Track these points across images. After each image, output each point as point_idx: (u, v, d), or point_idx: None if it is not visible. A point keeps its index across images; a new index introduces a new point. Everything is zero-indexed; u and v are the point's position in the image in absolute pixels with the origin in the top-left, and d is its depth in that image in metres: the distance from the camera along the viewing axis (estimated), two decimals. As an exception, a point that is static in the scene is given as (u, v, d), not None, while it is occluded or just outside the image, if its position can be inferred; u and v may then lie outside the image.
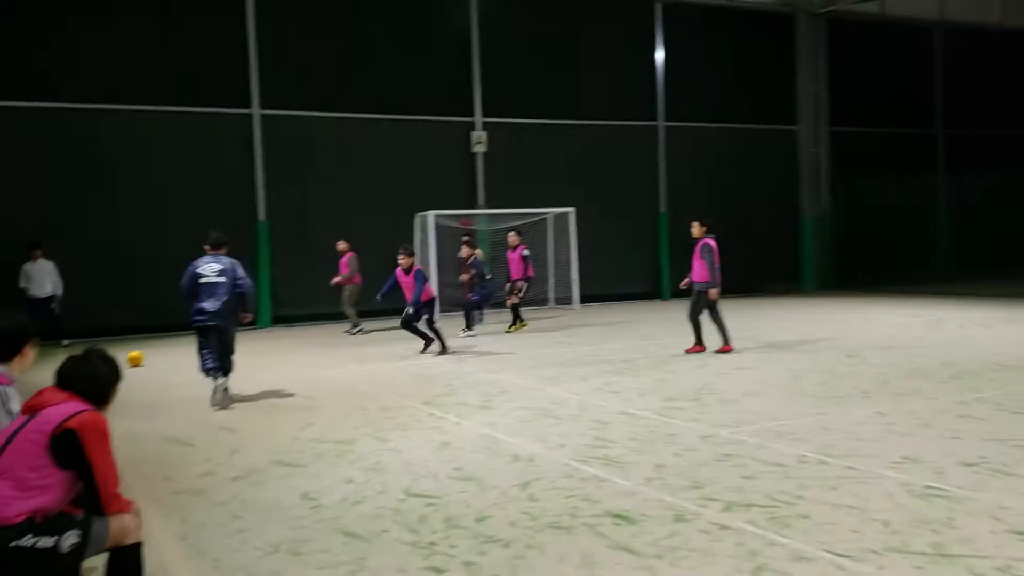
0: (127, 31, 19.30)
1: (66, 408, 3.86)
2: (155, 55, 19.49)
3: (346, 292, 18.24)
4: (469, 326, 17.27)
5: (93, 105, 18.90)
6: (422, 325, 14.32)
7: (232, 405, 10.22)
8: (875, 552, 4.78)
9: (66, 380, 4.04)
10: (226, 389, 10.37)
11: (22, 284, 16.88)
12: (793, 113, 27.29)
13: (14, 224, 17.67)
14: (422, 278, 13.99)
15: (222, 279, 10.31)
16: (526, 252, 18.18)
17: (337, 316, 19.28)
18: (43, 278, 16.95)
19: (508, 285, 18.29)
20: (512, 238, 18.37)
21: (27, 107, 18.35)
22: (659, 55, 25.11)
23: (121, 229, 18.92)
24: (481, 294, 17.15)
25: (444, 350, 14.13)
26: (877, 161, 27.63)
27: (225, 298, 10.27)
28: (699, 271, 12.88)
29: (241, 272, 10.46)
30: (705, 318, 13.13)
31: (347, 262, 18.26)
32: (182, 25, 19.69)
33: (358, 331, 18.16)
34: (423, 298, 13.98)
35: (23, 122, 18.29)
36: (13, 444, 3.75)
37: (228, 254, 10.65)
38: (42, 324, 16.57)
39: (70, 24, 18.69)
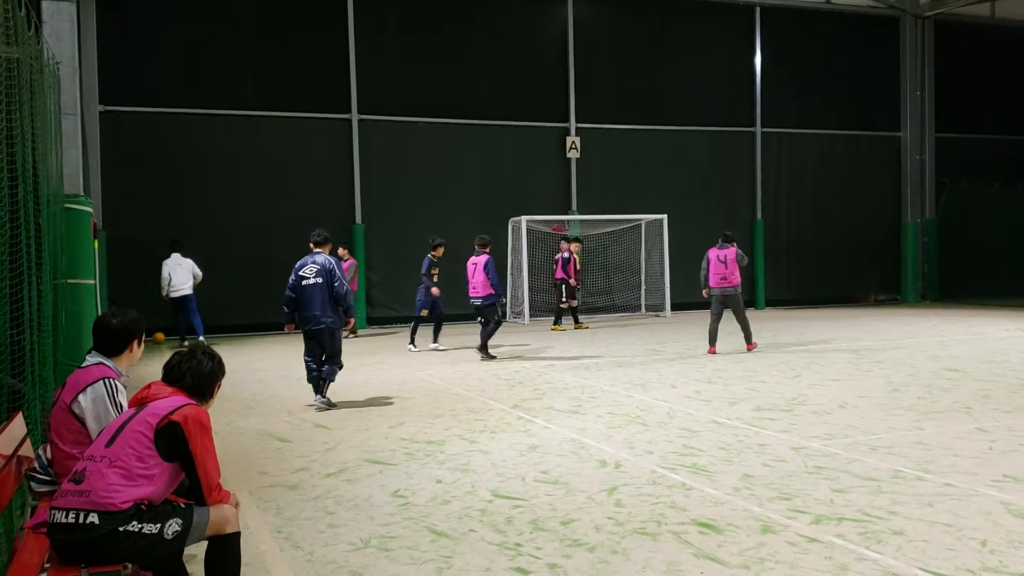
0: (239, 42, 20.00)
1: (171, 402, 4.05)
2: (263, 63, 20.15)
3: None
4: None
5: (204, 111, 19.68)
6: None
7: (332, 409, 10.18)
8: (971, 572, 4.66)
9: (172, 374, 4.25)
10: (327, 402, 10.20)
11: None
12: (896, 119, 26.53)
13: (132, 224, 18.47)
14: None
15: (319, 280, 10.05)
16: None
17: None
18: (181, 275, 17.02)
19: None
20: (576, 246, 19.61)
21: (143, 112, 19.18)
22: (758, 59, 24.74)
23: (227, 230, 19.56)
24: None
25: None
26: (985, 169, 26.67)
27: (323, 301, 10.03)
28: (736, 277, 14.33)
29: (338, 274, 10.11)
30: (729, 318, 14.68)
31: (348, 269, 18.50)
32: (288, 32, 20.30)
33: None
34: None
35: (136, 126, 19.12)
36: (122, 435, 3.94)
37: (332, 253, 10.43)
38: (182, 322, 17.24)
39: (181, 33, 19.47)
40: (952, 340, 15.68)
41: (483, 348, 14.22)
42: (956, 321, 19.55)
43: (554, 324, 19.16)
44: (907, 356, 13.55)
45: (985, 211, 26.01)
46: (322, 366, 10.28)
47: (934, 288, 26.69)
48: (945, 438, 7.83)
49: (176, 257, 17.06)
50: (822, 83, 25.55)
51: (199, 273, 17.13)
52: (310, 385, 10.35)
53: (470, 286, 14.16)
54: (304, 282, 10.10)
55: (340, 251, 18.57)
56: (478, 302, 14.10)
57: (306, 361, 10.32)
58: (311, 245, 10.42)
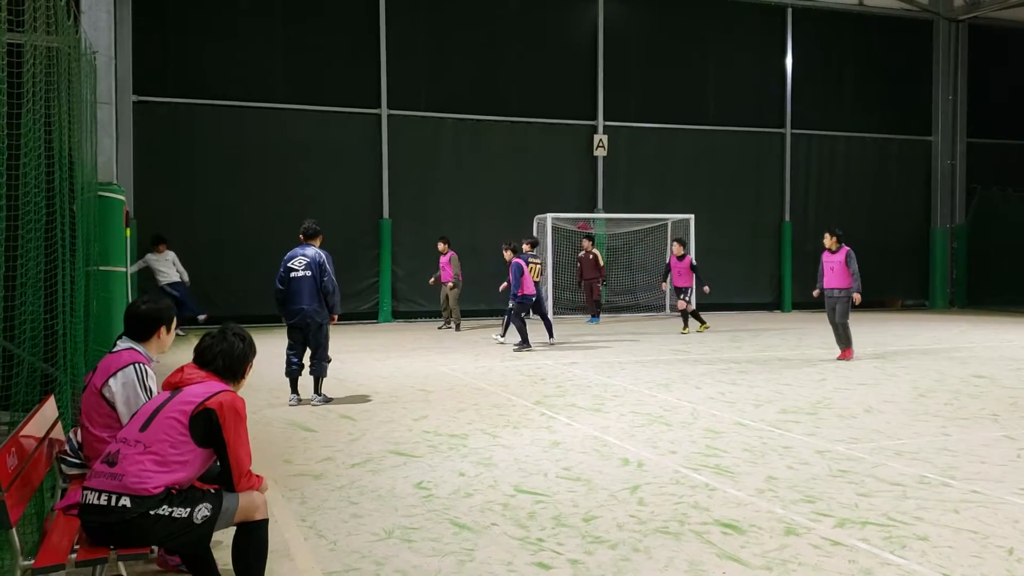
0: (272, 35, 20.13)
1: (207, 387, 4.08)
2: (295, 56, 20.28)
3: (455, 290, 18.61)
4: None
5: (236, 103, 19.82)
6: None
7: (329, 403, 10.03)
8: (996, 579, 4.63)
9: (204, 357, 4.28)
10: (323, 398, 10.08)
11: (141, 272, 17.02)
12: (928, 123, 26.28)
13: (155, 211, 18.62)
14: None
15: (307, 273, 9.83)
16: (695, 262, 18.50)
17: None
18: (168, 268, 17.21)
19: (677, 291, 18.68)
20: (677, 248, 18.59)
21: (176, 103, 19.36)
22: (788, 61, 24.59)
23: (252, 221, 19.70)
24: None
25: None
26: (1016, 175, 26.33)
27: (311, 294, 9.84)
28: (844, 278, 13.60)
29: (328, 268, 9.90)
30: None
31: (449, 261, 18.54)
32: (320, 26, 20.39)
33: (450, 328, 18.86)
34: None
35: (169, 117, 19.29)
36: (156, 420, 3.98)
37: (321, 245, 10.13)
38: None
39: (214, 26, 19.63)
40: (980, 346, 15.53)
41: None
42: (984, 328, 19.36)
43: (701, 324, 18.76)
44: (934, 362, 13.45)
45: (1016, 218, 25.64)
46: (303, 361, 10.11)
47: (962, 294, 26.43)
48: (972, 445, 7.77)
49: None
50: (853, 85, 25.37)
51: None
52: (287, 379, 10.17)
53: (532, 282, 15.38)
54: (292, 274, 9.87)
55: (440, 245, 18.65)
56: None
57: (287, 355, 10.15)
58: (300, 236, 10.15)
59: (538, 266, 16.12)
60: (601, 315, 21.02)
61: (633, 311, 22.67)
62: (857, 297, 13.54)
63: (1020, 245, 25.47)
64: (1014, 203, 25.69)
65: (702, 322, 18.64)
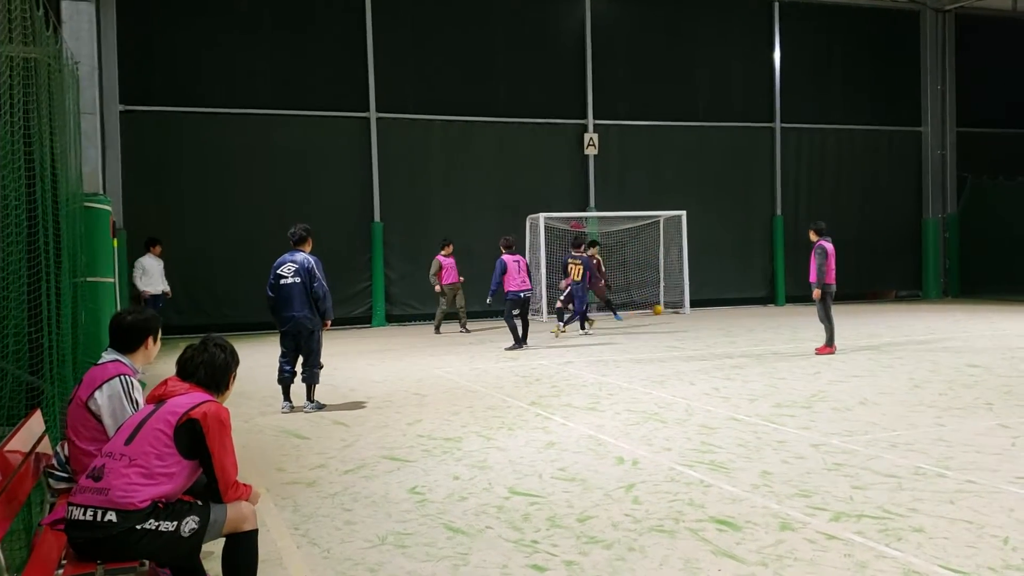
0: (258, 41, 20.07)
1: (190, 398, 4.05)
2: (282, 62, 20.22)
3: (461, 292, 18.56)
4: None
5: (224, 110, 19.76)
6: None
7: (322, 410, 9.95)
8: (993, 570, 4.60)
9: (186, 368, 4.24)
10: (316, 405, 9.98)
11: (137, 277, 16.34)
12: (917, 114, 26.30)
13: (144, 221, 18.53)
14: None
15: (297, 280, 9.71)
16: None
17: (450, 315, 19.45)
18: (157, 274, 16.45)
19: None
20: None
21: (163, 111, 19.29)
22: (776, 55, 24.58)
23: (243, 229, 19.63)
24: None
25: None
26: (1007, 164, 26.34)
27: (302, 301, 9.72)
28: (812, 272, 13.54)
29: (318, 274, 9.76)
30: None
31: (452, 266, 18.45)
32: (307, 31, 20.35)
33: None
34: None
35: (156, 126, 19.21)
36: (141, 433, 3.94)
37: (312, 251, 10.05)
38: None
39: (200, 33, 19.57)
40: (974, 336, 15.54)
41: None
42: (978, 317, 19.38)
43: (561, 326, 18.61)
44: (928, 352, 13.44)
45: (1007, 206, 25.64)
46: (295, 368, 10.02)
47: (955, 284, 26.47)
48: (966, 435, 7.76)
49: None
50: (842, 78, 25.37)
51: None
52: (279, 386, 10.10)
53: (519, 280, 15.33)
54: (282, 281, 9.76)
55: (448, 247, 18.48)
56: (530, 294, 15.68)
57: (280, 362, 10.08)
58: (291, 243, 10.02)
59: (578, 267, 16.91)
60: (591, 317, 20.99)
61: (627, 308, 22.64)
62: (816, 292, 13.32)
63: (1012, 234, 25.47)
64: (1005, 192, 25.70)
65: (583, 325, 18.06)
